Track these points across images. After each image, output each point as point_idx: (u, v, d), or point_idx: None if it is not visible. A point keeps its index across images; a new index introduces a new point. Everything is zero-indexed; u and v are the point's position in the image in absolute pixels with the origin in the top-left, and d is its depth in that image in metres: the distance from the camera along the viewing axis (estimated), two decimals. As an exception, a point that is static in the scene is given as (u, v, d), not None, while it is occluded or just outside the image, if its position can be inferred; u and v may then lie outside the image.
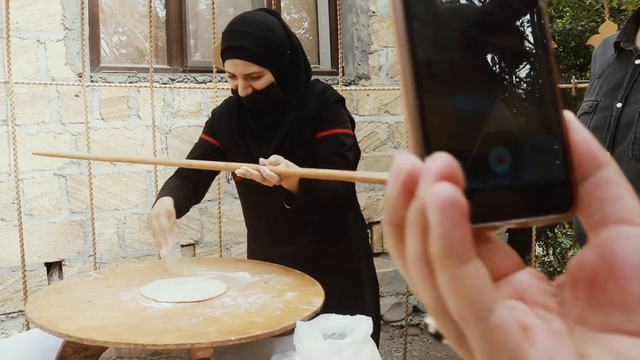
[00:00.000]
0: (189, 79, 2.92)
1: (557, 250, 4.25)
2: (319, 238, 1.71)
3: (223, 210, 3.01)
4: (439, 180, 0.25)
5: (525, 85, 0.29)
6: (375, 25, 3.34)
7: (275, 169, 1.39)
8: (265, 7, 3.22)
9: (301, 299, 1.41)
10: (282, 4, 3.30)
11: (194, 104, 2.93)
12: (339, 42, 2.51)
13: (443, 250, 0.25)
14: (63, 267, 2.69)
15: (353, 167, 1.65)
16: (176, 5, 2.96)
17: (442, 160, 0.25)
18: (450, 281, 0.25)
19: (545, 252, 4.35)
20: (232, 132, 1.69)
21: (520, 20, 0.29)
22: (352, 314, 1.33)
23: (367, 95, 3.31)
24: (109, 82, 2.70)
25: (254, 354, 1.42)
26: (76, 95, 2.68)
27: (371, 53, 3.33)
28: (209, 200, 2.98)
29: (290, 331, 1.30)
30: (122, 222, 2.79)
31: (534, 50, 0.29)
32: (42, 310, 1.31)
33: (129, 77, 2.79)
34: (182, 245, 2.93)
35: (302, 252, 1.69)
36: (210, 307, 1.34)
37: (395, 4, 0.27)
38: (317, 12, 3.49)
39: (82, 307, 1.34)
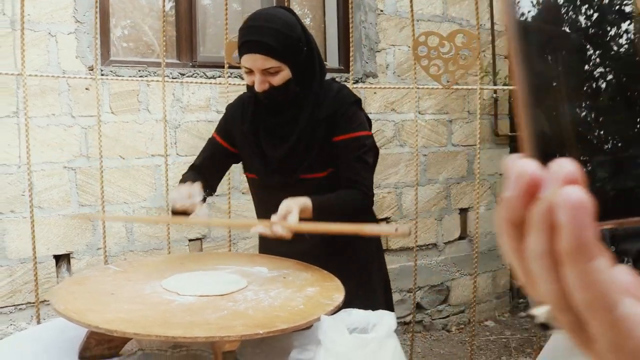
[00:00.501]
0: (198, 74, 2.92)
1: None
2: (330, 236, 1.71)
3: (231, 205, 3.02)
4: (566, 184, 0.27)
5: (624, 96, 0.31)
6: (383, 24, 3.35)
7: (287, 224, 1.40)
8: (275, 3, 3.23)
9: (322, 293, 1.43)
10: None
11: (203, 99, 2.94)
12: (350, 40, 2.52)
13: (575, 248, 0.27)
14: (71, 260, 2.70)
15: (372, 168, 1.68)
16: (185, 1, 2.96)
17: (567, 165, 0.28)
18: (580, 276, 0.27)
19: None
20: (245, 129, 1.70)
21: (618, 36, 0.31)
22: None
23: (374, 93, 3.32)
24: (119, 76, 2.70)
25: (274, 348, 1.43)
26: (86, 89, 2.68)
27: (379, 51, 3.34)
28: (217, 195, 2.98)
29: (309, 326, 1.32)
30: (131, 215, 2.80)
31: (631, 64, 0.31)
32: (67, 302, 1.31)
33: (139, 71, 2.79)
34: (189, 240, 2.94)
35: (313, 250, 1.70)
36: (233, 301, 1.35)
37: (511, 22, 0.30)
38: (324, 9, 3.50)
39: (106, 300, 1.35)
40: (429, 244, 3.56)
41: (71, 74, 2.59)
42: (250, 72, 1.57)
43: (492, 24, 3.68)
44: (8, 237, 2.55)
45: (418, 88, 2.55)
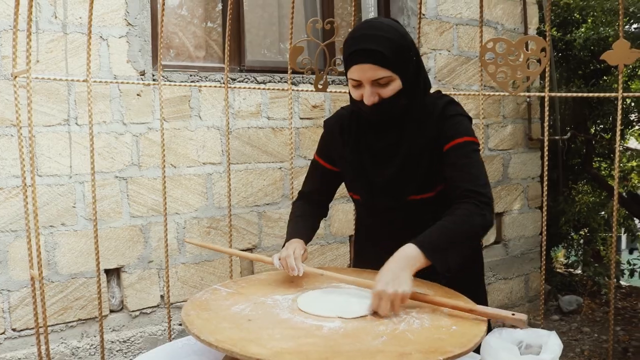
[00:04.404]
0: (248, 79, 2.83)
1: (580, 252, 4.35)
2: None
3: (280, 213, 2.95)
4: None
5: None
6: (424, 28, 3.31)
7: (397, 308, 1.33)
8: (319, 7, 3.16)
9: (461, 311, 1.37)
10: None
11: (254, 104, 2.84)
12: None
13: None
14: (122, 274, 2.57)
15: (482, 167, 1.53)
16: (233, 3, 2.86)
17: None
18: None
19: (568, 253, 4.44)
20: (348, 151, 1.62)
21: None
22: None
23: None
24: (171, 81, 2.59)
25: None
26: (138, 95, 2.56)
27: (421, 55, 3.29)
28: (267, 204, 2.91)
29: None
30: (182, 226, 2.69)
31: None
32: (214, 332, 1.23)
33: (191, 76, 2.68)
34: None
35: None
36: (383, 324, 1.29)
37: None
38: (360, 12, 3.44)
39: (248, 327, 1.27)
40: (466, 249, 3.54)
41: (122, 79, 2.47)
42: (358, 85, 1.47)
43: (526, 27, 3.68)
44: (59, 252, 2.42)
45: (484, 95, 2.51)
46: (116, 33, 2.50)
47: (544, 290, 2.49)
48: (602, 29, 3.75)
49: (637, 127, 4.29)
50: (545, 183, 2.44)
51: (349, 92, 1.56)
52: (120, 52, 2.51)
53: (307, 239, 1.66)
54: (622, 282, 4.39)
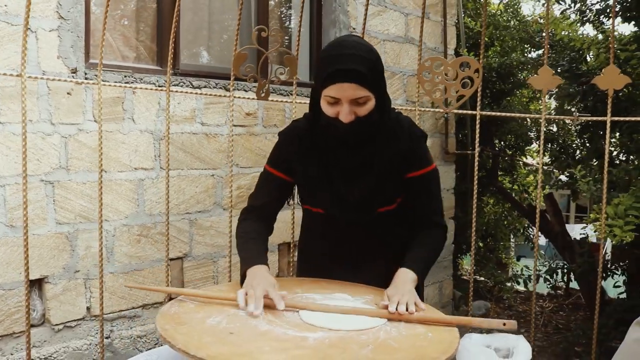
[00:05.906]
0: (184, 83, 2.74)
1: (484, 260, 4.64)
2: (393, 259, 1.70)
3: (212, 221, 2.88)
4: None
5: None
6: (354, 41, 3.39)
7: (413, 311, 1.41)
8: (253, 14, 3.14)
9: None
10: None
11: (189, 109, 2.76)
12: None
13: None
14: (45, 285, 2.38)
15: (440, 197, 1.72)
16: (168, 5, 2.77)
17: None
18: None
19: (478, 267, 4.72)
20: (314, 168, 1.63)
21: None
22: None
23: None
24: (106, 81, 2.45)
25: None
26: (68, 93, 2.39)
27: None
28: (198, 212, 2.83)
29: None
30: (112, 234, 2.54)
31: None
32: (201, 347, 1.19)
33: (125, 76, 2.56)
34: (170, 259, 2.74)
35: (376, 278, 1.68)
36: (364, 334, 1.32)
37: None
38: (290, 24, 3.47)
39: (233, 340, 1.25)
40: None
41: (51, 76, 2.30)
42: (335, 103, 1.48)
43: (445, 47, 3.89)
44: (-26, 261, 2.20)
45: (420, 110, 2.62)
46: (46, 26, 2.33)
47: (471, 297, 2.64)
48: (513, 54, 4.05)
49: (534, 145, 4.66)
50: (475, 195, 2.59)
51: (311, 107, 1.58)
52: (50, 47, 2.34)
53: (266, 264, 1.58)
54: (521, 288, 4.75)
